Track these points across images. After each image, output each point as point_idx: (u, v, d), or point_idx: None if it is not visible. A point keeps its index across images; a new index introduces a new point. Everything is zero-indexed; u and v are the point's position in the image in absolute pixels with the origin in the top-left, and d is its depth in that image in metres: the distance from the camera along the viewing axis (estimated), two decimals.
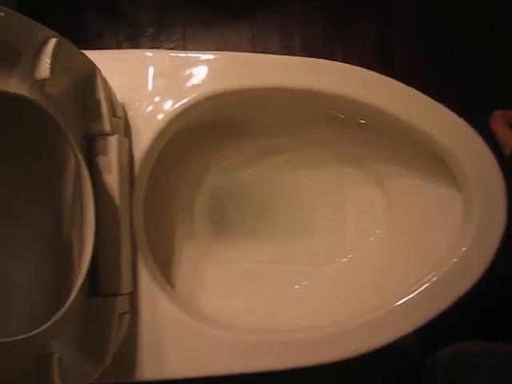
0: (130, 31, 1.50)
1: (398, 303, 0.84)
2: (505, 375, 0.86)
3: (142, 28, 1.50)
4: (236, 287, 1.02)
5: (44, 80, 0.64)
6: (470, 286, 0.83)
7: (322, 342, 0.84)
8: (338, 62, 0.87)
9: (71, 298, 0.66)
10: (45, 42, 0.65)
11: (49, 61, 0.64)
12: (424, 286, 0.84)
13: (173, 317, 0.83)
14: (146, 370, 0.82)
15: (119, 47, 1.48)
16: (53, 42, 0.66)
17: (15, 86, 0.60)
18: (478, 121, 0.89)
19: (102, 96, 0.76)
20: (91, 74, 0.76)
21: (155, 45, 1.49)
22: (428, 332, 0.84)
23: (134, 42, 1.49)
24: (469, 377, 0.87)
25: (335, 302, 0.97)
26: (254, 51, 1.48)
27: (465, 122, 0.85)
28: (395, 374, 1.32)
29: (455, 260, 0.84)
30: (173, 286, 0.94)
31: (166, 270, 0.95)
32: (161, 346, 0.82)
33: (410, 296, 0.84)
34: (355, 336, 0.84)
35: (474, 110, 0.94)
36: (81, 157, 0.68)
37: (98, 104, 0.76)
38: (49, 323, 0.62)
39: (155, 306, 0.82)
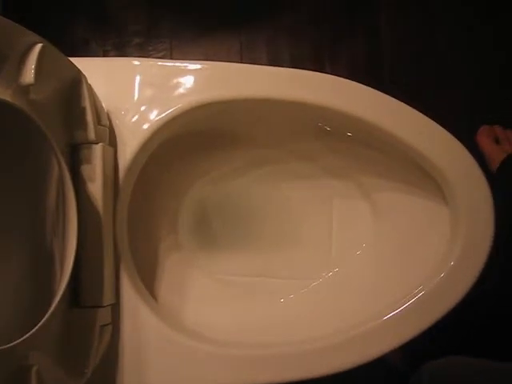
0: (117, 40, 1.49)
1: (385, 318, 0.83)
2: None
3: (129, 37, 1.49)
4: (220, 300, 1.01)
5: (28, 86, 0.63)
6: (458, 301, 0.83)
7: (307, 357, 0.83)
8: (326, 74, 0.87)
9: (52, 308, 0.65)
10: (30, 48, 0.65)
11: (33, 66, 0.63)
12: (411, 301, 0.83)
13: (155, 329, 0.81)
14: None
15: (106, 56, 1.47)
16: (38, 47, 0.65)
17: None
18: (468, 137, 0.89)
19: (87, 103, 0.75)
20: (77, 80, 0.75)
21: (142, 55, 1.48)
22: (414, 345, 0.83)
23: (121, 52, 1.48)
24: None
25: (321, 316, 0.96)
26: (242, 63, 1.47)
27: (453, 137, 0.85)
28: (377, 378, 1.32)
29: (442, 275, 0.83)
30: (156, 298, 0.93)
31: (149, 282, 0.94)
32: (142, 358, 0.81)
33: (397, 310, 0.83)
34: (342, 351, 0.83)
35: (464, 126, 0.94)
36: (64, 165, 0.67)
37: (83, 111, 0.75)
38: (29, 334, 0.61)
39: (137, 318, 0.81)
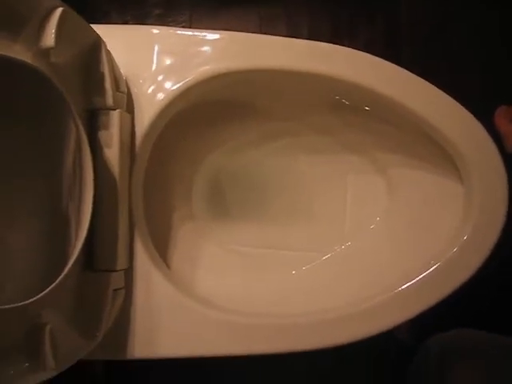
0: (137, 11, 1.49)
1: (397, 290, 0.84)
2: (504, 369, 0.85)
3: (148, 8, 1.49)
4: (232, 270, 1.02)
5: (48, 49, 0.64)
6: (470, 275, 0.83)
7: (319, 327, 0.84)
8: (344, 47, 0.86)
9: (66, 269, 0.66)
10: (51, 11, 0.65)
11: (54, 30, 0.64)
12: (423, 274, 0.84)
13: (167, 295, 0.82)
14: (138, 349, 0.82)
15: None
16: (59, 11, 0.65)
17: (19, 52, 0.60)
18: (485, 117, 0.89)
19: (106, 69, 0.75)
20: (96, 46, 0.75)
21: (162, 25, 1.47)
22: (422, 318, 0.83)
23: (141, 22, 1.48)
24: (466, 365, 0.87)
25: (333, 289, 0.96)
26: None
27: (470, 114, 0.85)
28: (387, 360, 1.33)
29: (455, 249, 0.84)
30: (169, 265, 0.94)
31: (162, 249, 0.95)
32: (154, 324, 0.82)
33: (408, 283, 0.84)
34: (352, 323, 0.84)
35: (480, 109, 0.94)
36: (82, 129, 0.68)
37: (101, 77, 0.75)
38: (43, 293, 0.62)
39: (150, 283, 0.82)
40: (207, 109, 0.99)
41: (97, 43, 0.75)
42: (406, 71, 0.86)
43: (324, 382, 1.36)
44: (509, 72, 1.48)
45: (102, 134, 0.76)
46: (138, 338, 0.82)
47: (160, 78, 0.85)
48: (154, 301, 0.82)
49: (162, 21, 1.47)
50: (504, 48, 1.48)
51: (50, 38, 0.63)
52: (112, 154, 0.76)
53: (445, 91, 0.86)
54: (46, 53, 0.64)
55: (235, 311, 0.87)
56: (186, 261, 0.98)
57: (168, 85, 0.84)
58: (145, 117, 0.83)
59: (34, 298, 0.60)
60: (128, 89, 0.83)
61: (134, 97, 0.84)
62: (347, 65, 0.86)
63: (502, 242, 0.83)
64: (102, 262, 0.77)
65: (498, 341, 0.91)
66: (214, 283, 0.97)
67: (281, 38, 0.88)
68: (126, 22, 1.47)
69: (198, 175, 1.06)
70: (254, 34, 0.88)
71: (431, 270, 0.84)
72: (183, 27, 1.46)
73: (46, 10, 0.65)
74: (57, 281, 0.64)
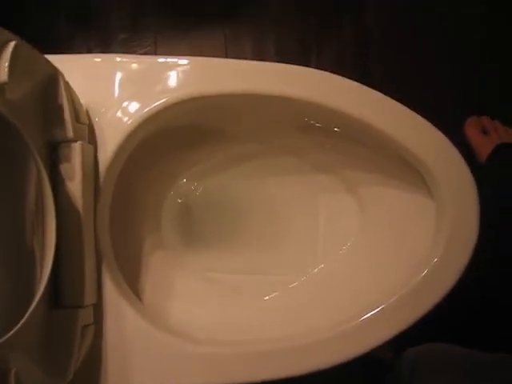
0: (102, 36, 1.48)
1: (367, 316, 0.83)
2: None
3: (113, 33, 1.48)
4: (205, 298, 1.01)
5: (2, 84, 0.62)
6: (443, 296, 0.82)
7: (295, 353, 0.83)
8: (312, 69, 0.86)
9: (31, 308, 0.64)
10: (3, 46, 0.64)
11: (7, 64, 0.62)
12: (398, 295, 0.83)
13: (139, 329, 0.81)
14: None
15: (90, 52, 1.46)
16: (11, 45, 0.64)
17: None
18: (455, 128, 0.89)
19: (64, 101, 0.74)
20: (53, 78, 0.74)
21: (127, 50, 1.47)
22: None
23: (105, 47, 1.47)
24: (436, 378, 0.87)
25: (308, 313, 0.95)
26: (227, 57, 1.46)
27: (436, 130, 0.84)
28: (364, 373, 1.32)
29: (426, 272, 0.83)
30: (140, 297, 0.92)
31: (133, 282, 0.93)
32: (126, 359, 0.80)
33: (379, 308, 0.83)
34: (330, 346, 0.83)
35: (450, 121, 0.94)
36: (41, 164, 0.66)
37: (60, 109, 0.74)
38: (6, 336, 0.60)
39: (120, 317, 0.80)
40: (173, 134, 0.97)
41: (54, 75, 0.74)
42: (373, 91, 0.85)
43: None
44: (478, 83, 1.49)
45: (64, 167, 0.75)
46: (110, 374, 0.80)
47: (124, 105, 0.84)
48: (125, 336, 0.80)
49: (126, 45, 1.47)
50: (475, 58, 1.49)
51: (2, 72, 0.62)
52: (74, 186, 0.74)
53: (415, 104, 0.85)
54: None
55: (211, 340, 0.86)
56: (158, 292, 0.96)
57: (132, 112, 0.83)
58: (108, 146, 0.82)
59: None
60: (89, 119, 0.82)
61: (96, 127, 0.82)
62: (316, 87, 0.85)
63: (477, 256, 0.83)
64: (68, 298, 0.75)
65: (470, 355, 0.90)
66: (188, 312, 0.95)
67: (247, 61, 0.87)
68: (90, 48, 1.46)
69: (167, 203, 1.06)
70: (218, 59, 0.87)
71: (407, 289, 0.83)
72: (148, 51, 1.46)
73: None
74: (21, 321, 0.63)
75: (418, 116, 0.85)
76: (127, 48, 1.47)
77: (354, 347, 0.82)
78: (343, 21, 1.50)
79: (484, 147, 1.36)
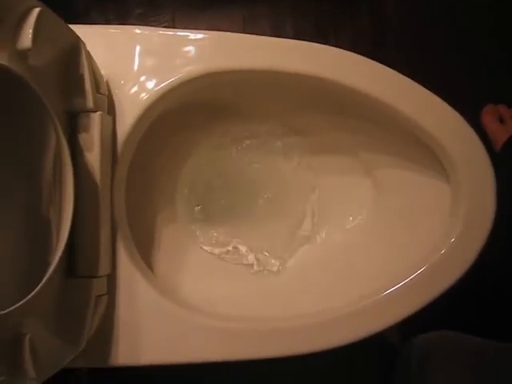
0: (118, 11, 1.47)
1: (384, 294, 0.83)
2: (485, 372, 0.85)
3: (130, 8, 1.47)
4: (217, 273, 1.01)
5: (25, 50, 0.62)
6: (458, 278, 0.82)
7: (306, 331, 0.83)
8: (332, 47, 0.85)
9: (47, 276, 0.64)
10: (28, 12, 0.63)
11: (31, 30, 0.62)
12: (412, 277, 0.83)
13: (151, 300, 0.81)
14: (122, 355, 0.81)
15: None
16: (36, 11, 0.63)
17: None
18: (472, 116, 0.88)
19: (85, 71, 0.73)
20: (75, 47, 0.73)
21: (144, 25, 1.46)
22: (410, 320, 0.83)
23: (123, 22, 1.46)
24: (446, 366, 0.87)
25: (320, 291, 0.96)
26: None
27: (456, 113, 0.84)
28: (375, 363, 1.33)
29: (443, 251, 0.83)
30: (153, 270, 0.93)
31: (146, 253, 0.94)
32: (138, 330, 0.80)
33: (397, 286, 0.83)
34: (342, 326, 0.83)
35: (467, 104, 0.93)
36: (61, 133, 0.66)
37: (81, 79, 0.73)
38: (23, 301, 0.60)
39: (133, 288, 0.81)
40: (189, 110, 0.98)
41: (76, 44, 0.74)
42: (394, 72, 0.85)
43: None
44: (497, 72, 1.48)
45: (83, 137, 0.75)
46: (121, 344, 0.80)
47: (142, 78, 0.83)
48: (137, 307, 0.80)
49: (143, 20, 1.46)
50: (493, 47, 1.48)
51: (26, 39, 0.62)
52: (93, 157, 0.74)
53: (432, 91, 0.85)
54: (22, 54, 0.62)
55: (223, 315, 0.86)
56: (170, 265, 0.97)
57: (150, 86, 0.83)
58: (127, 119, 0.82)
59: (14, 307, 0.58)
60: (109, 90, 0.81)
61: (115, 98, 0.82)
62: (334, 65, 0.85)
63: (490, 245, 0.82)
64: (83, 267, 0.75)
65: (481, 344, 0.90)
66: (200, 287, 0.96)
67: (266, 37, 0.86)
68: (107, 22, 1.46)
69: (182, 177, 1.06)
70: (238, 34, 0.87)
71: (419, 271, 0.83)
72: (166, 27, 1.45)
73: (23, 11, 0.63)
74: (37, 288, 0.63)
75: (435, 96, 0.85)
76: (144, 23, 1.47)
77: (372, 324, 0.83)
78: (361, 8, 1.50)
79: (500, 135, 1.35)
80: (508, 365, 0.85)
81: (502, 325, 1.22)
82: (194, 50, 0.84)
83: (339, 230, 1.04)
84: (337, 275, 0.98)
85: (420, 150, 0.91)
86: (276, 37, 0.86)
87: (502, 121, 1.39)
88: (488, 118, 1.40)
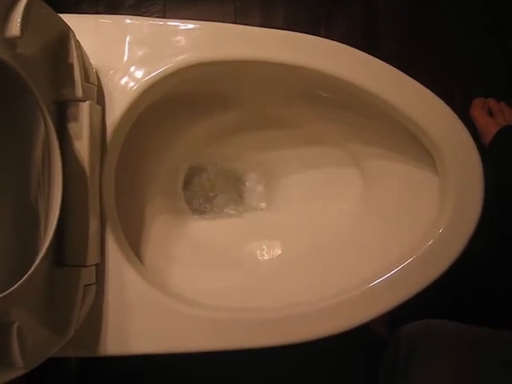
0: (110, 1, 1.47)
1: (371, 285, 0.84)
2: (471, 360, 0.85)
3: None
4: (206, 263, 1.01)
5: (14, 39, 0.62)
6: (445, 268, 0.83)
7: (294, 321, 0.83)
8: (320, 37, 0.85)
9: (35, 265, 0.64)
10: (17, 0, 0.63)
11: (20, 19, 0.62)
12: (400, 267, 0.83)
13: (139, 290, 0.81)
14: (110, 345, 0.81)
15: None
16: (25, 0, 0.63)
17: None
18: (461, 109, 0.89)
19: (74, 60, 0.73)
20: (64, 36, 0.73)
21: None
22: (397, 311, 0.83)
23: (114, 12, 1.46)
24: (432, 354, 0.87)
25: (307, 282, 0.96)
26: None
27: (446, 105, 0.84)
28: (361, 353, 1.34)
29: (431, 242, 0.83)
30: (142, 260, 0.93)
31: (135, 244, 0.94)
32: (126, 320, 0.81)
33: (385, 276, 0.84)
34: (331, 315, 0.84)
35: (457, 97, 0.93)
36: (50, 122, 0.66)
37: (70, 68, 0.73)
38: (10, 290, 0.60)
39: (122, 278, 0.81)
40: (181, 101, 0.97)
41: (65, 33, 0.73)
42: (384, 63, 0.85)
43: (296, 377, 1.37)
44: (487, 65, 1.48)
45: (72, 126, 0.74)
46: (110, 334, 0.81)
47: (132, 68, 0.83)
48: (126, 297, 0.81)
49: (135, 11, 1.46)
50: (486, 43, 1.49)
51: (15, 27, 0.61)
52: (81, 146, 0.74)
53: (423, 84, 0.85)
54: (11, 43, 0.62)
55: (211, 305, 0.86)
56: (159, 255, 0.97)
57: (140, 75, 0.83)
58: (116, 108, 0.81)
59: (1, 295, 0.58)
60: (98, 80, 0.81)
61: (104, 88, 0.82)
62: (325, 57, 0.85)
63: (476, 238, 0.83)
64: (71, 257, 0.75)
65: (468, 331, 0.91)
66: (189, 277, 0.96)
67: (258, 28, 0.86)
68: (98, 13, 1.45)
69: (171, 169, 1.06)
70: (230, 24, 0.87)
71: (407, 262, 0.83)
72: (157, 17, 1.45)
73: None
74: (24, 277, 0.63)
75: (425, 88, 0.85)
76: (136, 14, 1.44)
77: (360, 314, 0.83)
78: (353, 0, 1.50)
79: (489, 129, 1.36)
80: (495, 351, 0.86)
81: (489, 312, 1.23)
82: (184, 40, 0.84)
83: (327, 220, 1.04)
84: (324, 266, 0.99)
85: (409, 142, 0.91)
86: (267, 27, 0.86)
87: (491, 114, 1.40)
88: (477, 111, 1.40)
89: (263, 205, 1.09)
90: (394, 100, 0.84)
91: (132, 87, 0.82)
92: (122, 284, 0.81)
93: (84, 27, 0.81)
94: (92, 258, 0.77)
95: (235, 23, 1.46)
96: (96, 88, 0.79)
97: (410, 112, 0.84)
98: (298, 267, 1.00)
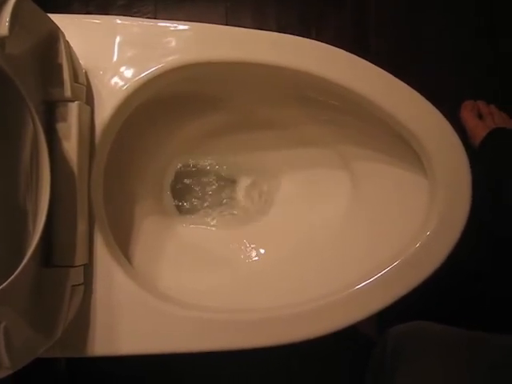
0: (101, 1, 1.47)
1: (358, 287, 0.84)
2: (458, 361, 0.86)
3: None
4: (194, 265, 1.01)
5: (2, 38, 0.61)
6: (433, 271, 0.83)
7: (280, 323, 0.83)
8: (311, 40, 0.85)
9: (22, 265, 0.64)
10: (5, 0, 0.63)
11: (8, 18, 0.61)
12: (387, 269, 0.84)
13: (128, 291, 0.81)
14: (98, 346, 0.81)
15: None
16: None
17: None
18: (451, 112, 0.89)
19: (63, 60, 0.73)
20: (53, 36, 0.73)
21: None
22: (385, 313, 0.83)
23: (105, 13, 1.46)
24: (414, 359, 0.88)
25: (295, 283, 0.96)
26: None
27: (434, 108, 0.84)
28: (348, 355, 1.34)
29: (418, 244, 0.83)
30: (130, 260, 0.93)
31: (124, 244, 0.94)
32: (114, 320, 0.81)
33: (373, 278, 0.84)
34: (318, 317, 0.83)
35: (446, 99, 0.93)
36: (38, 122, 0.66)
37: (59, 68, 0.73)
38: None
39: (110, 279, 0.81)
40: (171, 101, 0.98)
41: (54, 33, 0.73)
42: (374, 66, 0.85)
43: (284, 378, 1.37)
44: (480, 68, 1.49)
45: (60, 127, 0.74)
46: (98, 335, 0.81)
47: (122, 69, 0.83)
48: (114, 297, 0.81)
49: (126, 12, 1.46)
50: (477, 45, 1.49)
51: (3, 26, 0.61)
52: (70, 146, 0.74)
53: (412, 87, 0.85)
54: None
55: (200, 306, 0.86)
56: (148, 256, 0.97)
57: (130, 75, 0.83)
58: (105, 109, 0.81)
59: None
60: (88, 80, 0.81)
61: (94, 89, 0.82)
62: (314, 58, 0.85)
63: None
64: (59, 257, 0.75)
65: (454, 334, 0.91)
66: (177, 278, 0.96)
67: (248, 30, 0.86)
68: (88, 13, 1.45)
69: (161, 170, 1.06)
70: (220, 26, 0.87)
71: (395, 264, 0.84)
72: (148, 18, 1.45)
73: None
74: (12, 277, 0.63)
75: (414, 91, 0.85)
76: (127, 14, 1.45)
77: (348, 316, 0.83)
78: (346, 2, 1.50)
79: (478, 131, 1.36)
80: (483, 354, 0.86)
81: (477, 315, 1.23)
82: (174, 41, 0.84)
83: (315, 222, 1.04)
84: (312, 268, 0.99)
85: (399, 145, 0.91)
86: (258, 29, 0.86)
87: (480, 116, 1.41)
88: (467, 113, 1.41)
89: (252, 206, 1.09)
90: (383, 102, 0.84)
91: (121, 87, 0.82)
92: (111, 284, 0.81)
93: (73, 27, 0.81)
94: (80, 258, 0.77)
95: (226, 24, 1.46)
96: (85, 88, 0.79)
97: (398, 114, 0.84)
98: (285, 268, 1.00)
